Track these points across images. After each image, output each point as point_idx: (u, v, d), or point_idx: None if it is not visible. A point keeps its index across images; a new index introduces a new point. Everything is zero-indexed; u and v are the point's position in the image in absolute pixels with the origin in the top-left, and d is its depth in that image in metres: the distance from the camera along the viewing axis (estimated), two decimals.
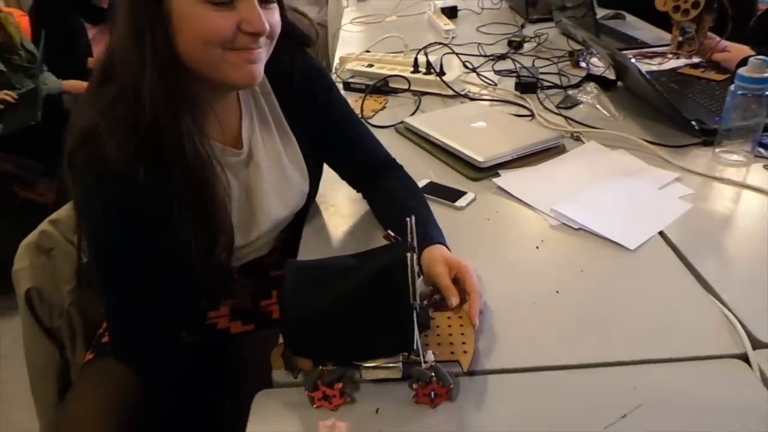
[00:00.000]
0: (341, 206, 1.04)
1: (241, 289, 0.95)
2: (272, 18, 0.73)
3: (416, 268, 0.61)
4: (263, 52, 0.74)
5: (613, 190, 1.03)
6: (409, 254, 0.58)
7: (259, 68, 0.74)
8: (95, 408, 0.82)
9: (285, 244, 1.00)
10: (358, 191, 1.02)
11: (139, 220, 0.73)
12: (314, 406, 0.63)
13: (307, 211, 1.00)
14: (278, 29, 0.75)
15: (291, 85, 0.89)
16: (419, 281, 0.67)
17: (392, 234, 0.65)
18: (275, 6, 0.74)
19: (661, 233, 0.91)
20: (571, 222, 0.94)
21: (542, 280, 0.83)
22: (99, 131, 0.70)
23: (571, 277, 0.83)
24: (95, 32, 2.76)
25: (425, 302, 0.73)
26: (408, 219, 0.63)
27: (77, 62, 2.62)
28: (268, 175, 0.88)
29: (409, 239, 0.61)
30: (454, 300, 0.71)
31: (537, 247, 0.90)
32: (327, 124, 0.94)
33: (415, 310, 0.58)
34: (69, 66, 2.56)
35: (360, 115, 1.37)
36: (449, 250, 0.82)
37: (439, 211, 0.99)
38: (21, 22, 2.61)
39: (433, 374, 0.61)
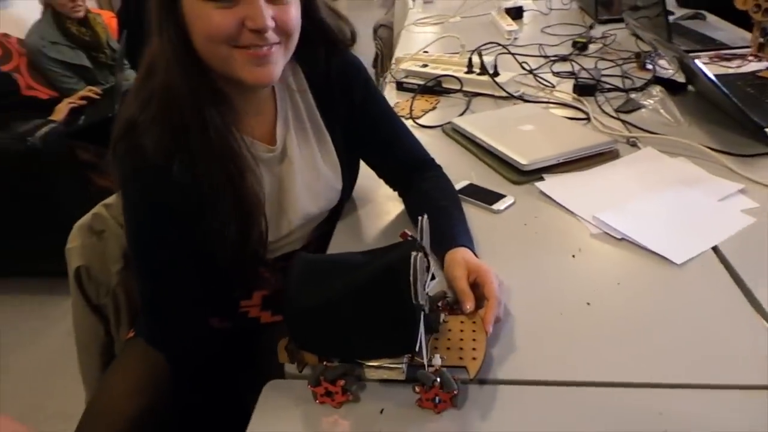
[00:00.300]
0: (377, 204, 1.03)
1: (273, 280, 0.97)
2: (284, 15, 0.72)
3: (425, 268, 0.59)
4: (276, 53, 0.73)
5: (666, 199, 0.96)
6: (414, 253, 0.57)
7: (272, 69, 0.73)
8: (130, 383, 0.87)
9: (320, 239, 1.01)
10: (394, 189, 1.02)
11: (171, 211, 0.76)
12: (317, 401, 0.62)
13: (342, 207, 1.00)
14: (292, 26, 0.74)
15: (327, 82, 0.89)
16: (433, 283, 0.65)
17: (408, 233, 0.63)
18: (289, 3, 0.72)
19: (714, 249, 0.84)
20: (613, 231, 0.88)
21: (574, 291, 0.78)
22: (138, 123, 0.73)
23: (606, 290, 0.78)
24: None
25: (440, 304, 0.71)
26: (420, 218, 0.61)
27: None
28: (300, 172, 0.88)
29: (419, 238, 0.60)
30: (469, 305, 0.69)
31: (573, 256, 0.85)
32: (364, 121, 0.94)
33: (422, 311, 0.56)
34: None
35: (409, 115, 1.37)
36: (476, 254, 0.79)
37: (475, 213, 0.97)
38: (110, 23, 2.81)
39: (437, 378, 0.59)
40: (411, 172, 0.97)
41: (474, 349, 0.65)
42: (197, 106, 0.72)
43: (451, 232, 0.82)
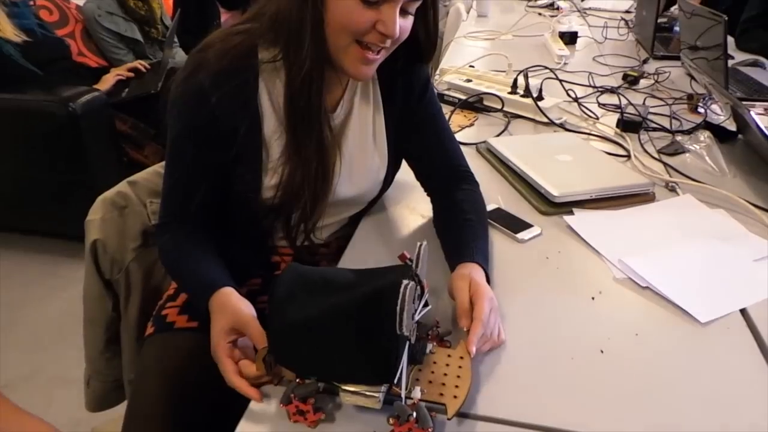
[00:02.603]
0: (400, 215, 1.02)
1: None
2: (405, 26, 0.78)
3: (417, 297, 0.57)
4: (381, 57, 0.80)
5: (698, 252, 0.92)
6: (405, 281, 0.54)
7: (372, 70, 0.82)
8: (156, 386, 0.84)
9: (343, 241, 1.00)
10: (428, 193, 1.02)
11: (214, 135, 0.81)
12: (291, 420, 0.60)
13: (370, 208, 1.01)
14: (404, 38, 0.80)
15: (392, 75, 0.92)
16: (426, 310, 0.63)
17: (407, 255, 0.61)
18: (410, 18, 0.79)
19: (742, 311, 0.80)
20: (638, 278, 0.85)
21: (588, 335, 0.75)
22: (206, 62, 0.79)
23: (622, 339, 0.74)
24: (228, 17, 2.95)
25: (429, 333, 0.69)
26: (419, 244, 0.59)
27: None
28: (349, 149, 0.91)
29: (414, 266, 0.57)
30: (464, 322, 0.68)
31: (593, 298, 0.82)
32: (417, 119, 0.96)
33: (407, 341, 0.54)
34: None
35: None
36: (488, 277, 0.78)
37: (499, 239, 0.95)
38: (166, 0, 2.86)
39: (413, 413, 0.56)
40: (449, 179, 0.98)
41: (457, 386, 0.62)
42: (319, 71, 0.78)
43: (469, 246, 0.83)
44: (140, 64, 2.46)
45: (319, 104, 0.81)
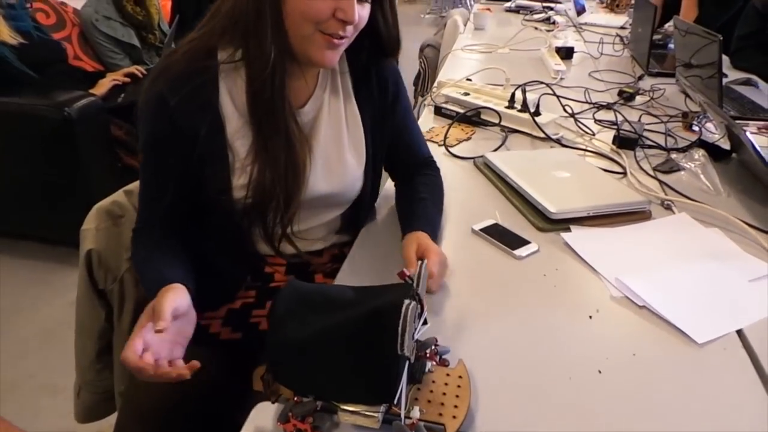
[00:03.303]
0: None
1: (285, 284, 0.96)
2: (363, 13, 0.82)
3: (417, 316, 0.56)
4: (345, 43, 0.83)
5: (694, 272, 0.92)
6: (406, 301, 0.54)
7: (337, 56, 0.84)
8: (147, 398, 0.83)
9: (336, 251, 1.01)
10: (393, 180, 1.10)
11: (174, 138, 0.83)
12: None
13: (365, 217, 1.02)
14: (363, 25, 0.84)
15: (367, 76, 0.96)
16: (425, 328, 0.63)
17: (407, 273, 0.61)
18: (368, 6, 0.82)
19: (739, 332, 0.80)
20: (635, 297, 0.85)
21: (586, 355, 0.75)
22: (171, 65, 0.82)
23: (620, 359, 0.74)
24: None
25: (428, 351, 0.68)
26: (420, 262, 0.59)
27: None
28: (322, 143, 0.92)
29: (415, 286, 0.57)
30: (411, 269, 0.71)
31: (590, 317, 0.82)
32: (390, 120, 1.00)
33: (408, 361, 0.54)
34: None
35: (443, 142, 1.35)
36: (435, 242, 0.89)
37: (495, 256, 0.95)
38: (164, 5, 2.86)
39: None
40: (413, 167, 1.07)
41: (456, 406, 0.62)
42: (280, 65, 0.80)
43: (420, 219, 0.94)
44: (137, 69, 2.46)
45: (283, 98, 0.82)
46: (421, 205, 0.97)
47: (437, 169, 1.09)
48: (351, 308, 0.61)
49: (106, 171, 2.12)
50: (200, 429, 0.86)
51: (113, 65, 2.52)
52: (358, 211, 1.01)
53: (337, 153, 0.93)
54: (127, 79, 2.40)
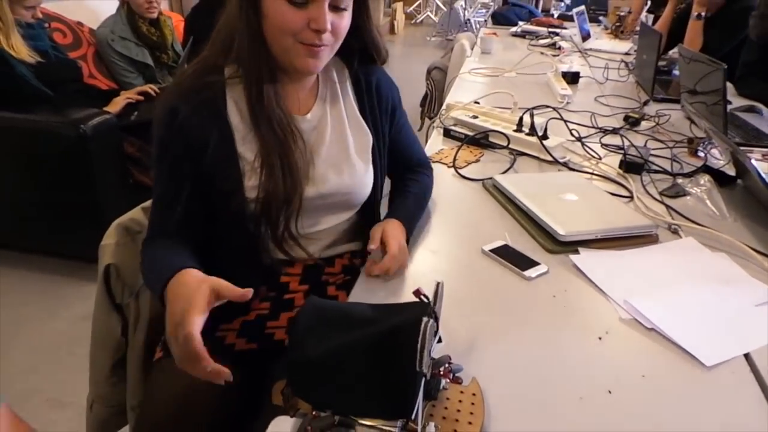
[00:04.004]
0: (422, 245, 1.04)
1: (298, 296, 0.99)
2: (340, 22, 0.88)
3: (433, 333, 0.58)
4: (326, 51, 0.89)
5: (701, 295, 0.94)
6: (425, 319, 0.56)
7: (320, 63, 0.90)
8: (163, 411, 0.85)
9: (347, 262, 1.04)
10: (390, 179, 1.16)
11: (185, 147, 0.89)
12: None
13: (374, 223, 1.03)
14: (342, 32, 0.89)
15: (368, 88, 1.04)
16: (440, 346, 0.64)
17: (422, 291, 0.63)
18: (345, 14, 0.88)
19: (746, 356, 0.81)
20: (643, 319, 0.86)
21: (596, 376, 0.76)
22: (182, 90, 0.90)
23: (630, 380, 0.76)
24: None
25: (442, 369, 0.70)
26: (437, 283, 0.61)
27: None
28: (326, 148, 0.98)
29: (433, 304, 0.59)
30: (373, 245, 0.88)
31: (600, 338, 0.83)
32: (391, 128, 1.09)
33: (424, 377, 0.55)
34: None
35: (452, 164, 1.38)
36: (408, 234, 1.00)
37: (505, 277, 0.96)
38: (177, 26, 2.92)
39: None
40: (408, 168, 1.16)
41: (470, 423, 0.63)
42: (256, 75, 0.88)
43: (397, 208, 1.05)
44: (150, 88, 2.50)
45: (280, 107, 0.90)
46: (404, 199, 1.08)
47: (430, 169, 1.20)
48: (369, 325, 0.63)
49: (119, 187, 2.15)
50: None
51: (127, 84, 2.57)
52: (366, 216, 1.06)
53: (343, 155, 0.99)
54: (141, 98, 2.44)
